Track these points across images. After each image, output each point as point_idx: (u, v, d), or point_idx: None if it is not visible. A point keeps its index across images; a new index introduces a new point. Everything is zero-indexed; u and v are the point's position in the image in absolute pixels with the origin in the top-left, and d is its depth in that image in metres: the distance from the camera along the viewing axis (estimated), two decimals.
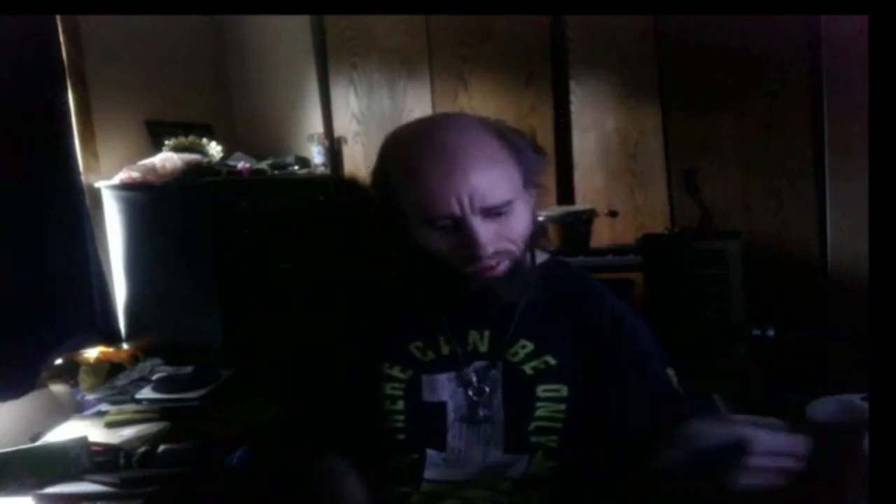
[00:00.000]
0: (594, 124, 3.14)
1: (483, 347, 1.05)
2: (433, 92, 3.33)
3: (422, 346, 1.06)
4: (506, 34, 3.20)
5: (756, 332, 2.30)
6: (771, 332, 2.26)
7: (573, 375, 1.03)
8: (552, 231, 2.71)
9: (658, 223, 3.02)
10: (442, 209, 0.93)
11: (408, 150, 0.97)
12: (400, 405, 1.04)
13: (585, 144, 3.17)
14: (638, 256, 2.68)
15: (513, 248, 0.98)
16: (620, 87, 3.10)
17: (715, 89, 2.97)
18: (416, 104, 3.36)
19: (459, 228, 0.94)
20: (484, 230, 0.93)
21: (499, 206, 0.94)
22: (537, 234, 1.05)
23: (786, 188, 2.93)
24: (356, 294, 1.16)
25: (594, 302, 1.08)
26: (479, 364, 1.04)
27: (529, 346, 1.04)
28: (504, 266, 0.98)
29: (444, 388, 1.04)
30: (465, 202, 0.92)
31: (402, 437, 1.03)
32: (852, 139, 2.64)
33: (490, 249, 0.94)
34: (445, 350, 1.05)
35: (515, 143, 0.98)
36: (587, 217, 2.80)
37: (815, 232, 2.88)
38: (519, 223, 0.98)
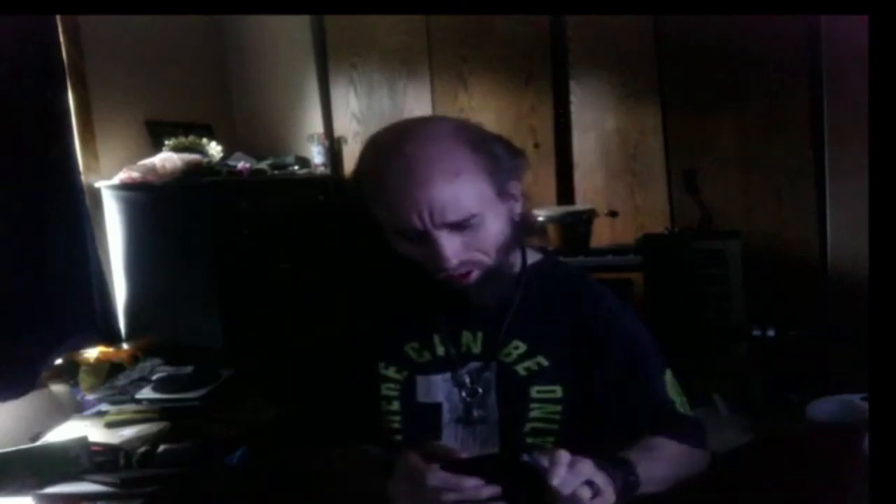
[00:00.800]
0: (594, 124, 3.14)
1: (476, 348, 1.05)
2: (433, 92, 3.33)
3: (417, 346, 1.06)
4: (506, 34, 3.19)
5: (756, 332, 2.30)
6: (771, 332, 2.26)
7: (567, 376, 1.03)
8: (552, 231, 2.70)
9: (658, 223, 3.01)
10: (404, 224, 0.93)
11: (376, 160, 0.96)
12: (395, 406, 1.04)
13: (585, 144, 3.17)
14: (638, 256, 2.68)
15: (483, 258, 0.97)
16: (620, 87, 3.09)
17: (715, 89, 2.97)
18: (416, 104, 3.36)
19: (426, 240, 0.94)
20: (449, 243, 0.93)
21: (463, 220, 0.93)
22: (519, 237, 1.04)
23: (786, 188, 2.92)
24: (354, 294, 1.17)
25: (589, 302, 1.08)
26: (473, 365, 1.04)
27: (522, 347, 1.04)
28: (476, 275, 0.98)
29: (440, 389, 1.04)
30: (426, 217, 0.91)
31: (398, 437, 1.03)
32: (852, 139, 2.63)
33: (455, 261, 0.94)
34: (440, 351, 1.05)
35: (488, 153, 0.96)
36: (587, 217, 2.80)
37: (815, 232, 2.87)
38: (489, 234, 0.97)
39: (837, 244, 2.82)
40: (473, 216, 0.93)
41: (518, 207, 1.02)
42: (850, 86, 2.60)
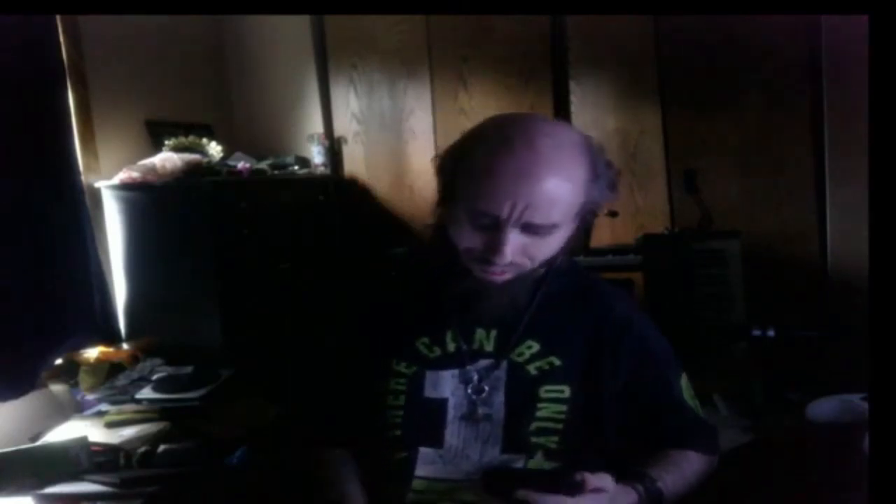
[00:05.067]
0: (594, 124, 3.14)
1: (489, 346, 1.05)
2: (433, 92, 3.33)
3: (428, 342, 1.06)
4: (506, 34, 3.19)
5: (756, 332, 2.30)
6: (771, 332, 2.26)
7: (578, 377, 1.03)
8: None
9: (658, 223, 3.01)
10: (490, 208, 0.91)
11: (500, 138, 0.92)
12: (402, 400, 1.04)
13: None
14: (638, 256, 2.68)
15: (528, 264, 0.97)
16: (620, 87, 3.09)
17: (715, 89, 2.97)
18: (416, 104, 3.36)
19: (493, 230, 0.93)
20: (513, 241, 0.92)
21: (542, 226, 0.92)
22: (564, 252, 1.02)
23: (786, 188, 2.92)
24: (365, 291, 1.17)
25: (605, 304, 1.08)
26: (483, 362, 1.04)
27: (536, 347, 1.04)
28: (508, 275, 0.98)
29: (447, 385, 1.03)
30: (517, 211, 0.90)
31: (398, 433, 1.03)
32: (852, 139, 2.64)
33: (508, 260, 0.94)
34: (451, 347, 1.05)
35: (596, 175, 0.96)
36: None
37: (815, 232, 2.87)
38: (548, 246, 0.96)
39: (837, 244, 2.82)
40: (554, 226, 0.93)
41: (576, 228, 1.00)
42: (850, 86, 2.61)
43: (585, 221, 1.00)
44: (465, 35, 3.24)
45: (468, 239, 0.95)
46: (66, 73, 2.52)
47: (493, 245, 0.93)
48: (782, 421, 2.21)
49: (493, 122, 0.97)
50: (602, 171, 0.97)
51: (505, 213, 0.90)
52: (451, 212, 0.97)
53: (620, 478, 0.91)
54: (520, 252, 0.94)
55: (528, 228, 0.92)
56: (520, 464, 1.00)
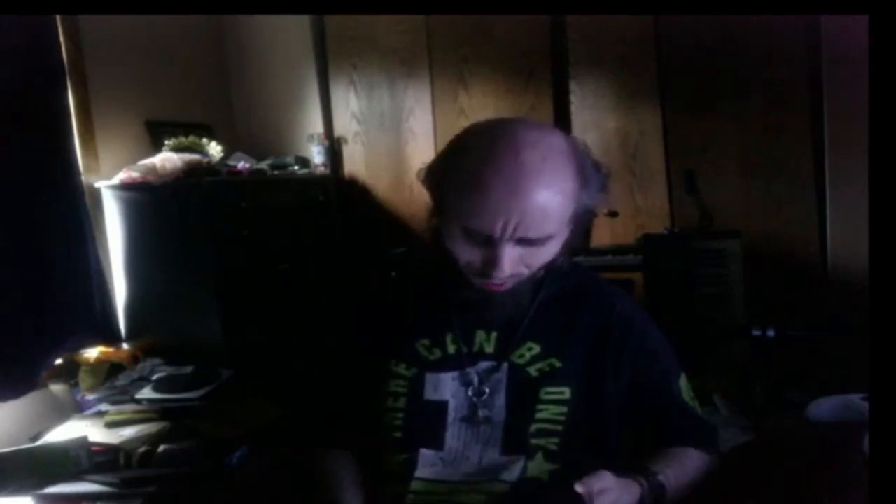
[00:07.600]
0: (594, 124, 3.14)
1: (489, 348, 1.05)
2: (433, 92, 3.33)
3: (429, 344, 1.06)
4: (506, 34, 3.19)
5: (756, 332, 2.29)
6: (771, 332, 2.26)
7: (578, 378, 1.03)
8: None
9: (658, 223, 3.01)
10: (481, 226, 0.91)
11: (485, 153, 0.90)
12: (402, 402, 1.04)
13: None
14: (638, 256, 2.68)
15: (526, 272, 0.97)
16: (620, 87, 3.09)
17: (715, 89, 2.97)
18: (416, 104, 3.36)
19: (488, 246, 0.93)
20: (510, 255, 0.92)
21: (537, 238, 0.92)
22: (562, 256, 1.02)
23: (786, 188, 2.92)
24: (364, 292, 1.17)
25: (604, 304, 1.08)
26: (484, 365, 1.04)
27: (536, 349, 1.04)
28: (509, 285, 0.98)
29: (447, 387, 1.03)
30: (510, 228, 0.90)
31: (398, 434, 1.03)
32: (852, 139, 2.64)
33: (507, 273, 0.94)
34: (452, 349, 1.05)
35: (585, 179, 0.95)
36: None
37: (816, 232, 2.88)
38: (545, 254, 0.96)
39: (837, 244, 2.82)
40: (549, 237, 0.93)
41: (573, 232, 1.00)
42: (850, 86, 2.60)
43: (583, 223, 0.99)
44: (465, 35, 3.24)
45: (465, 253, 0.95)
46: (66, 73, 2.52)
47: (491, 260, 0.93)
48: (782, 421, 2.21)
49: (476, 134, 0.96)
50: (591, 174, 0.96)
51: (498, 231, 0.90)
52: (445, 225, 0.97)
53: (622, 473, 0.91)
54: (517, 263, 0.94)
55: (523, 241, 0.92)
56: (519, 465, 0.99)
